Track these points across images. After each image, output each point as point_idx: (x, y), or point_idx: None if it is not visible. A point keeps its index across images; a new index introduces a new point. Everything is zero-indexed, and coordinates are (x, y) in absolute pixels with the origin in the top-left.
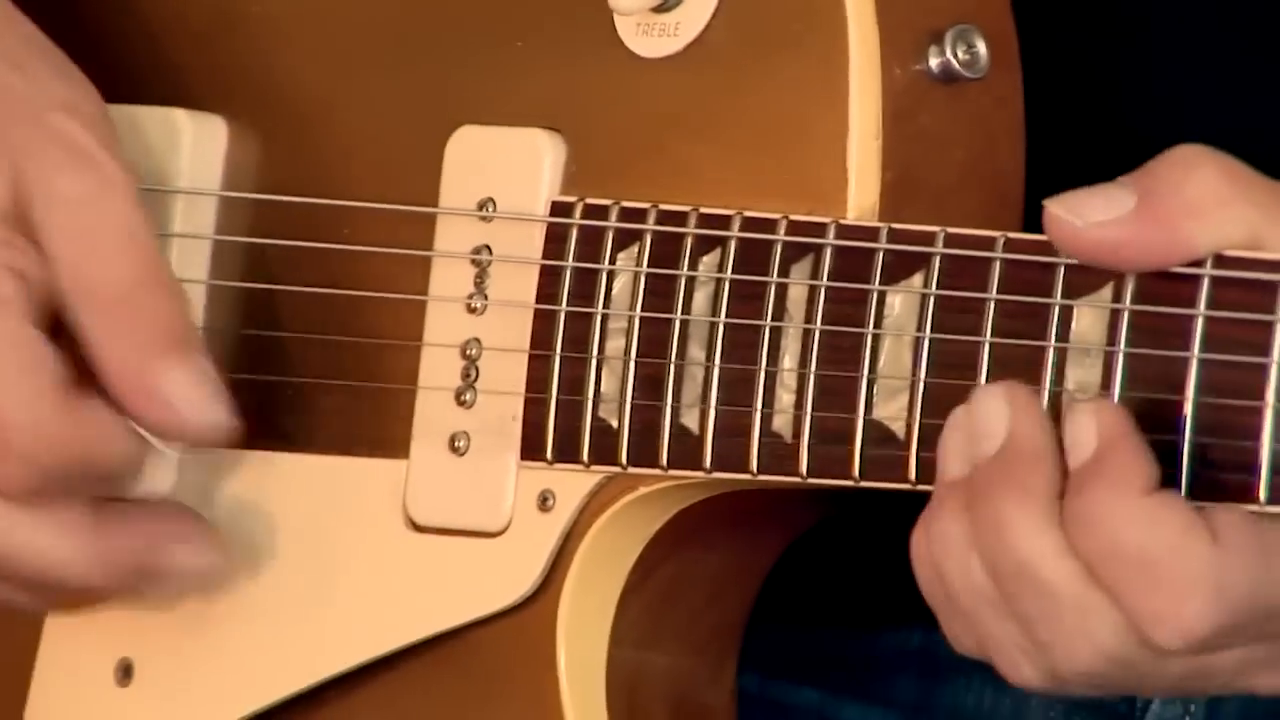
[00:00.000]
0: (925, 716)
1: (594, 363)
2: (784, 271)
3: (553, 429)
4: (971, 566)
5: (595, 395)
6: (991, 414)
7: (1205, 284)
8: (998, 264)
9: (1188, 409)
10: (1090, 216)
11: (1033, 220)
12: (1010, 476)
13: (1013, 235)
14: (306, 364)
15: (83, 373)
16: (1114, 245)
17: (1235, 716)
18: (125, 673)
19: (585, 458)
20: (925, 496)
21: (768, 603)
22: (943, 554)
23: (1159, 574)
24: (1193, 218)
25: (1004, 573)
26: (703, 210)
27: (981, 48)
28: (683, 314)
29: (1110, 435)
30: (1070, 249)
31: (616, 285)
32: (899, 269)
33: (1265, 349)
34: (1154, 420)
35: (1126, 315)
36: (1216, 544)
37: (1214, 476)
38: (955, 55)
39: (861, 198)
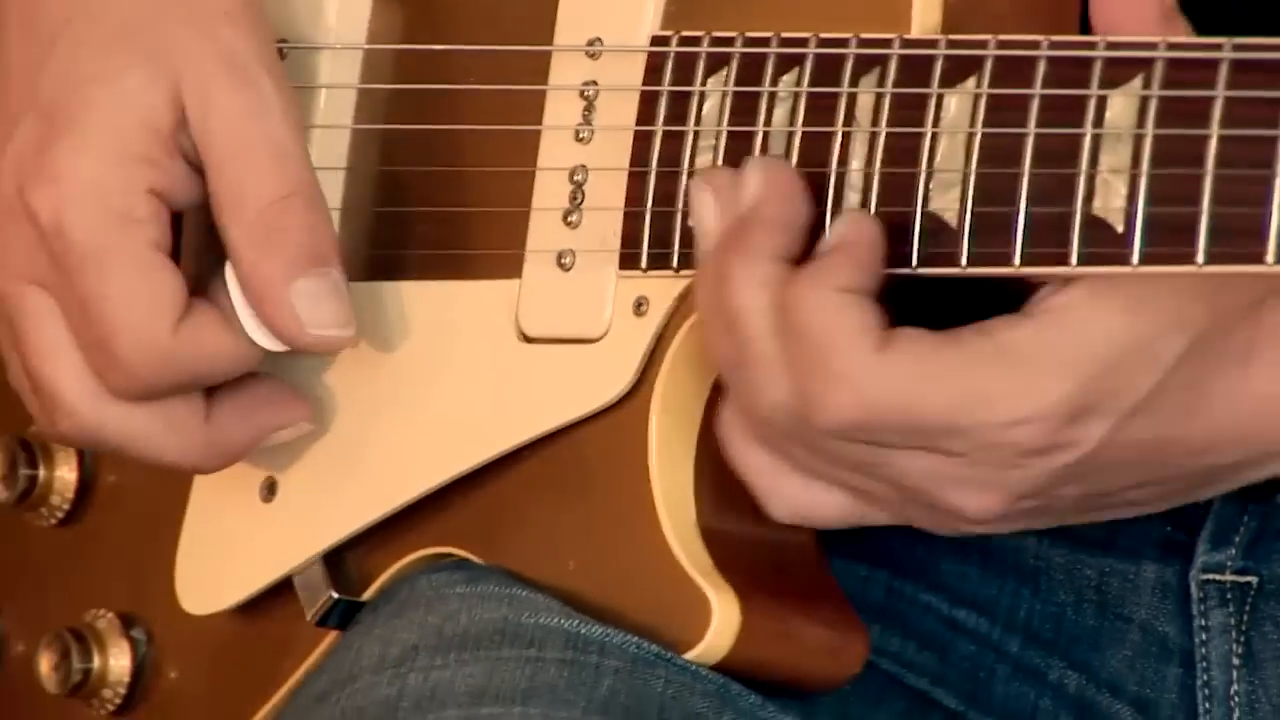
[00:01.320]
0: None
1: (685, 176)
2: (854, 83)
3: (647, 240)
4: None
5: (685, 206)
6: (749, 183)
7: (1224, 67)
8: (1042, 62)
9: (1206, 182)
10: None
11: None
12: (742, 236)
13: (1055, 37)
14: (430, 198)
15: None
16: None
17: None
18: (270, 490)
19: (675, 264)
20: None
21: None
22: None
23: (824, 359)
24: None
25: (723, 319)
26: (783, 35)
27: None
28: (764, 127)
29: (844, 240)
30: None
31: (706, 106)
32: (955, 73)
33: (1276, 123)
34: (1176, 196)
35: (1155, 101)
36: (879, 352)
37: (1229, 244)
38: None
39: (925, 19)
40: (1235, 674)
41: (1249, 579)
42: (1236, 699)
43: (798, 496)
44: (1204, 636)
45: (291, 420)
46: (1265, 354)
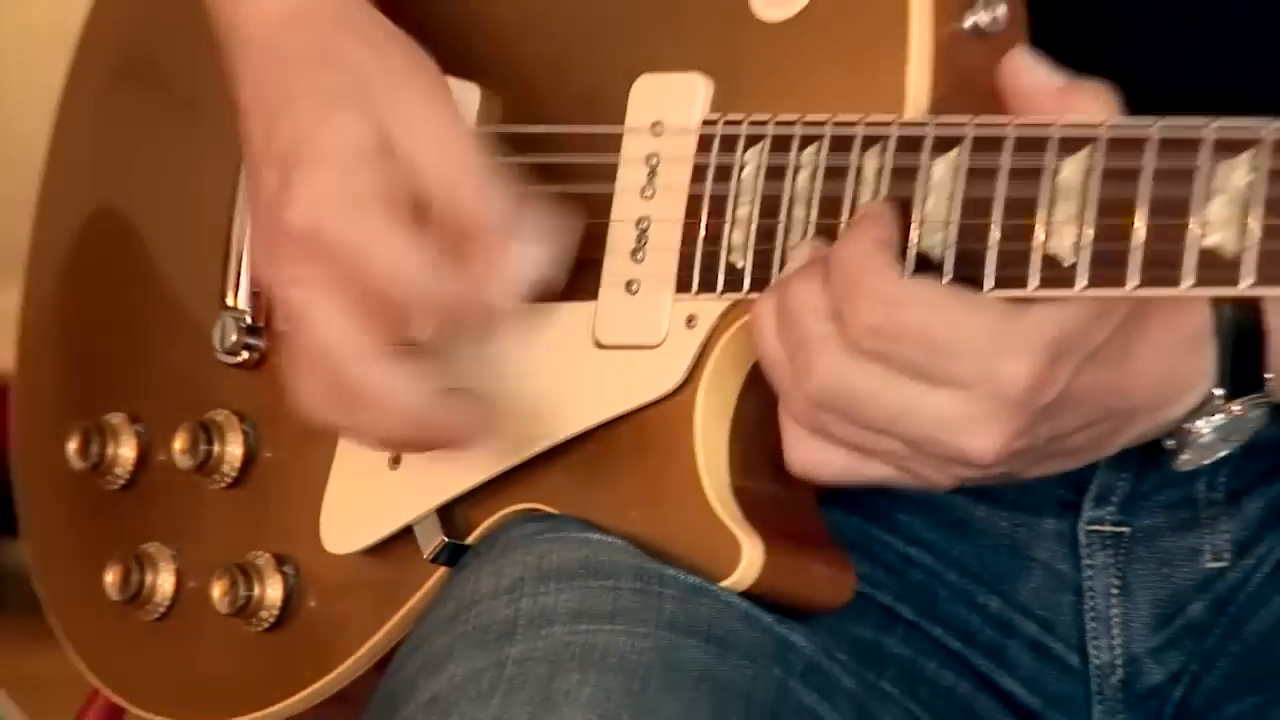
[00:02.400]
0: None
1: (729, 223)
2: (861, 155)
3: (697, 271)
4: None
5: (729, 245)
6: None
7: (1152, 142)
8: (1010, 139)
9: (1135, 227)
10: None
11: None
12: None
13: (1020, 118)
14: None
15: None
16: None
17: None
18: (395, 461)
19: (719, 289)
20: None
21: None
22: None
23: (859, 282)
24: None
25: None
26: (806, 118)
27: (1002, 12)
28: (790, 188)
29: (869, 211)
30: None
31: (745, 172)
32: (941, 146)
33: (1190, 182)
34: (1111, 238)
35: (1099, 167)
36: (904, 279)
37: (1151, 273)
38: (984, 17)
39: (916, 109)
40: (1113, 601)
41: (1124, 529)
42: (1115, 619)
43: (811, 454)
44: (1090, 573)
45: (480, 431)
46: (1152, 319)
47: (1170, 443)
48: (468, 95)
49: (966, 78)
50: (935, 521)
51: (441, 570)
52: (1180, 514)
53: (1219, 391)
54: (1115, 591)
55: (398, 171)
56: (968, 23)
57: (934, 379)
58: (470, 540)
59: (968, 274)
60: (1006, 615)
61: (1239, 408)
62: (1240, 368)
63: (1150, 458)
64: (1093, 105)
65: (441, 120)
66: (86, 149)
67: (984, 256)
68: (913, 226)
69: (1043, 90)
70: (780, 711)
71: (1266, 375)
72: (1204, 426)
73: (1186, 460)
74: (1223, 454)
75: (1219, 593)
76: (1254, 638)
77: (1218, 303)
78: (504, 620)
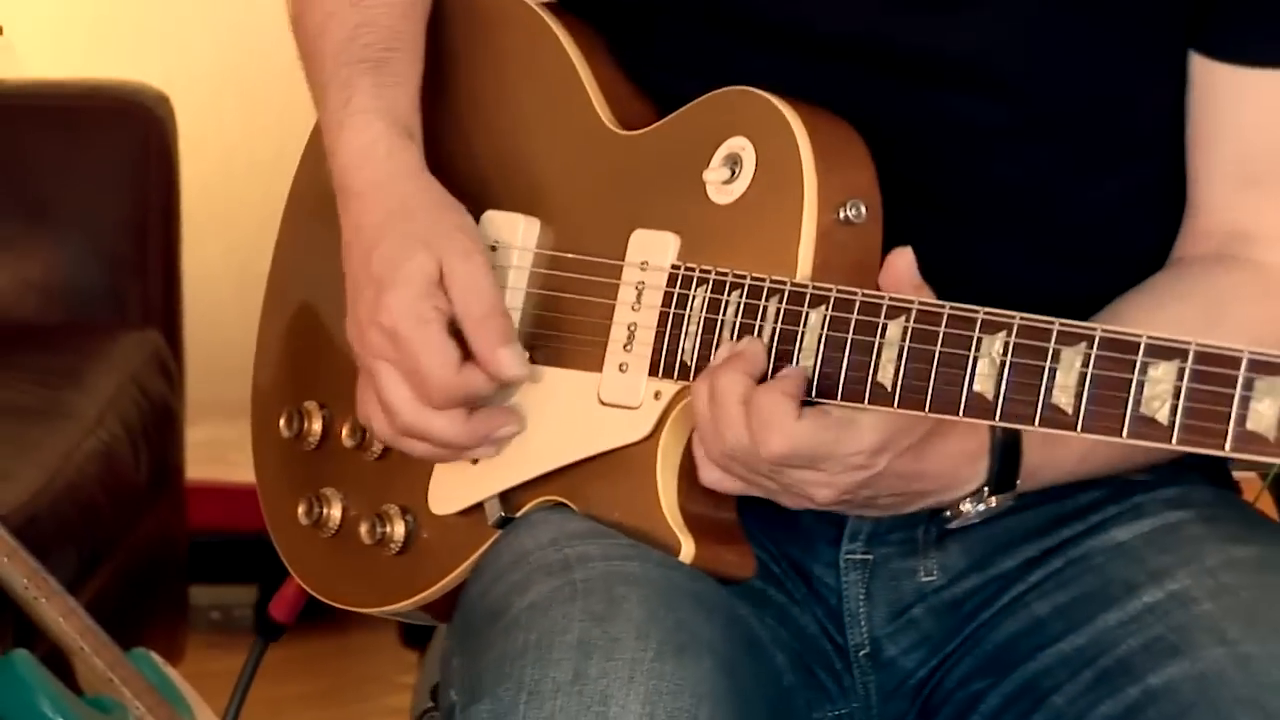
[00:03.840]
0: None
1: (683, 335)
2: (765, 300)
3: (663, 362)
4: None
5: (682, 349)
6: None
7: (946, 316)
8: (857, 303)
9: (933, 367)
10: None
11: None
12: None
13: (865, 291)
14: (558, 327)
15: (466, 352)
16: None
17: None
18: (474, 459)
19: (675, 375)
20: None
21: None
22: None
23: (769, 423)
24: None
25: (713, 399)
26: (735, 272)
27: (863, 209)
28: (722, 316)
29: (781, 373)
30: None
31: (694, 302)
32: (814, 302)
33: (969, 345)
34: (918, 376)
35: (911, 328)
36: (798, 420)
37: (940, 403)
38: (850, 212)
39: (803, 271)
40: (860, 603)
41: (869, 556)
42: (861, 615)
43: (715, 479)
44: (845, 584)
45: (506, 425)
46: (949, 436)
47: (947, 513)
48: (532, 226)
49: (837, 253)
50: (778, 544)
51: (496, 533)
52: (905, 548)
53: (986, 489)
54: (862, 597)
55: (443, 298)
56: (840, 215)
57: (808, 468)
58: (517, 516)
59: (823, 389)
60: (810, 596)
61: (995, 501)
62: (1002, 476)
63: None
64: (919, 291)
65: (470, 266)
66: (294, 252)
67: (838, 380)
68: (795, 359)
69: (898, 276)
70: (739, 620)
71: (1018, 482)
72: (970, 507)
73: (954, 524)
74: (976, 522)
75: (931, 602)
76: (989, 643)
77: (993, 430)
78: (559, 559)
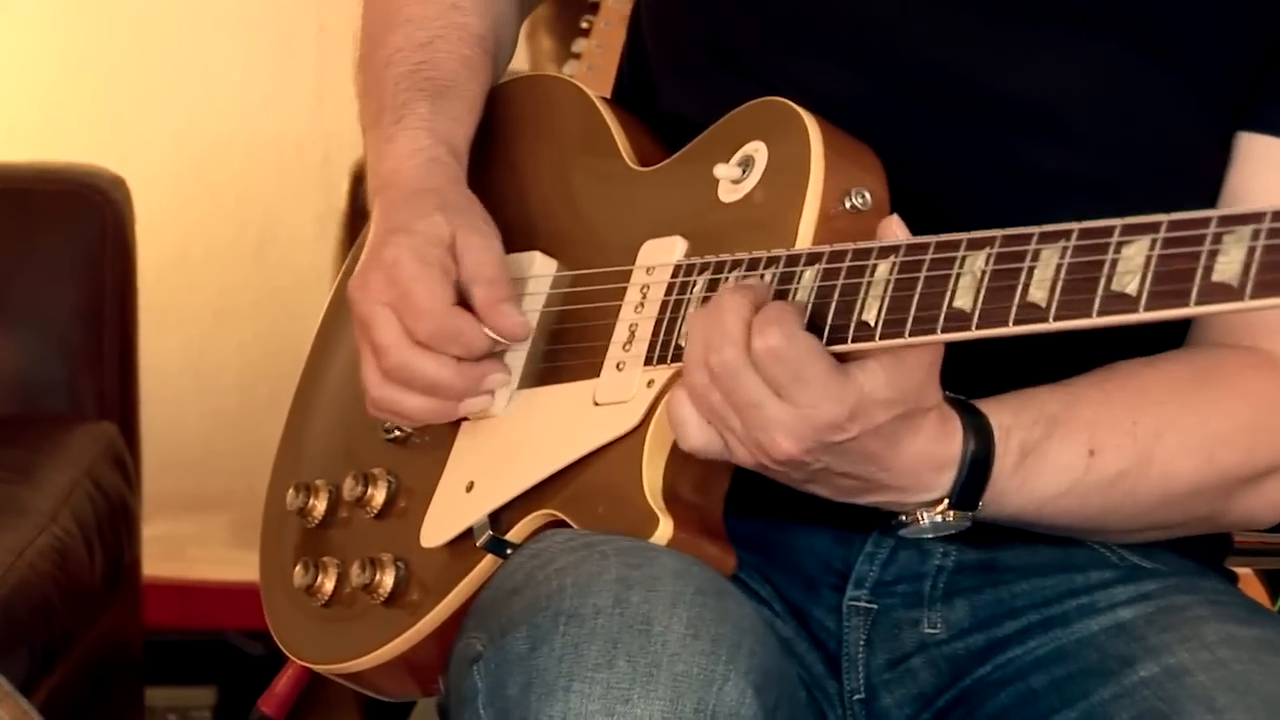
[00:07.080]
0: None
1: (682, 315)
2: (764, 269)
3: (660, 347)
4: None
5: (679, 329)
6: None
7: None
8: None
9: (913, 300)
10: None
11: None
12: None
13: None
14: (563, 336)
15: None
16: None
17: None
18: (469, 487)
19: (670, 359)
20: None
21: None
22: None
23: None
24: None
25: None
26: (735, 255)
27: (869, 197)
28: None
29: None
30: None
31: (697, 285)
32: (809, 260)
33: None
34: (899, 307)
35: (899, 263)
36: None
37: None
38: (857, 200)
39: (804, 240)
40: (861, 650)
41: (873, 605)
42: (861, 662)
43: (688, 429)
44: (847, 629)
45: (497, 372)
46: (923, 433)
47: (902, 517)
48: (548, 263)
49: (837, 240)
50: (778, 586)
51: (485, 556)
52: (910, 599)
53: (946, 502)
54: (862, 643)
55: (450, 259)
56: (846, 204)
57: (781, 393)
58: (508, 537)
59: (813, 329)
60: (805, 631)
61: (952, 516)
62: (966, 493)
63: (894, 562)
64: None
65: (484, 242)
66: (326, 343)
67: (824, 326)
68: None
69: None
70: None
71: (980, 503)
72: (925, 517)
73: (904, 532)
74: (928, 537)
75: (931, 655)
76: (981, 714)
77: (965, 444)
78: (581, 542)
